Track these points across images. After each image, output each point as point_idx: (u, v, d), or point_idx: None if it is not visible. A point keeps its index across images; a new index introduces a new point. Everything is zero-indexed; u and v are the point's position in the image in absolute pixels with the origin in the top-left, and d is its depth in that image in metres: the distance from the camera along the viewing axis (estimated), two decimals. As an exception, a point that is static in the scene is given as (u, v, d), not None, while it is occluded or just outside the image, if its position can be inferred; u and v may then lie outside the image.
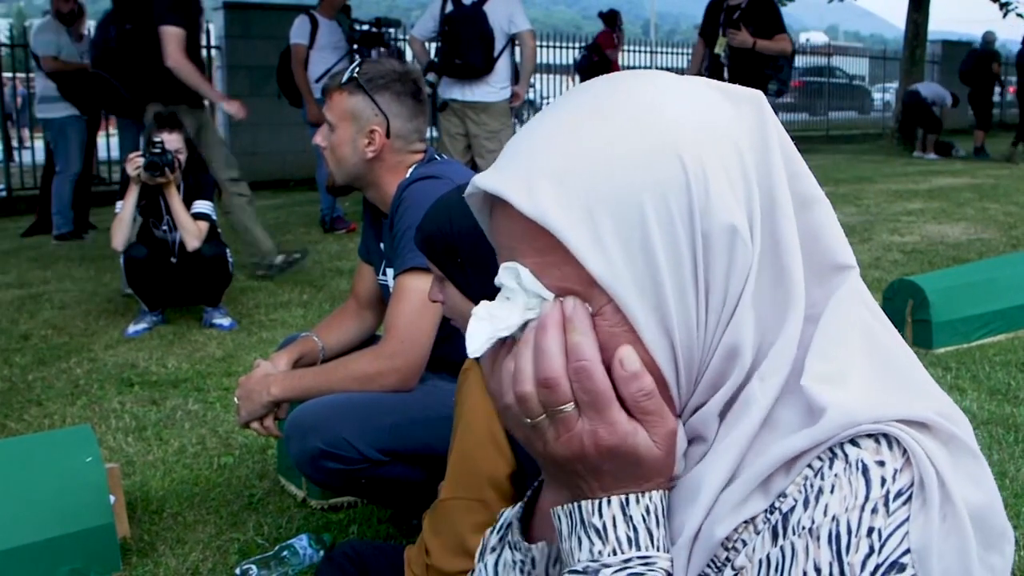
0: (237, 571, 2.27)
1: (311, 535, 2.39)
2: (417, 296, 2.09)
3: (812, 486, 0.66)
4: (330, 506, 2.66)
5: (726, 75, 6.39)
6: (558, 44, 15.41)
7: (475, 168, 5.74)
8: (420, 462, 2.07)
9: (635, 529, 0.69)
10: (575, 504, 0.72)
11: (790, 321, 0.70)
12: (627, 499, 0.70)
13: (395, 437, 2.09)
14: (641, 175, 0.67)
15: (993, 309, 4.20)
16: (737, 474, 0.70)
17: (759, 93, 0.74)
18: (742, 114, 0.72)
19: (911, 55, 14.88)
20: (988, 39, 14.44)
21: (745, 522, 0.68)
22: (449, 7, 5.99)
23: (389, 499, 2.38)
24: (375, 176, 2.33)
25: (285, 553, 2.31)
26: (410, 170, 2.31)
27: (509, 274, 0.71)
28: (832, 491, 0.65)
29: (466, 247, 1.56)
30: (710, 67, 6.61)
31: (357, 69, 2.30)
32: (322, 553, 2.33)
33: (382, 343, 2.20)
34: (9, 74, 12.58)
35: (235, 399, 2.32)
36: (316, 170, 7.55)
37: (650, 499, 0.70)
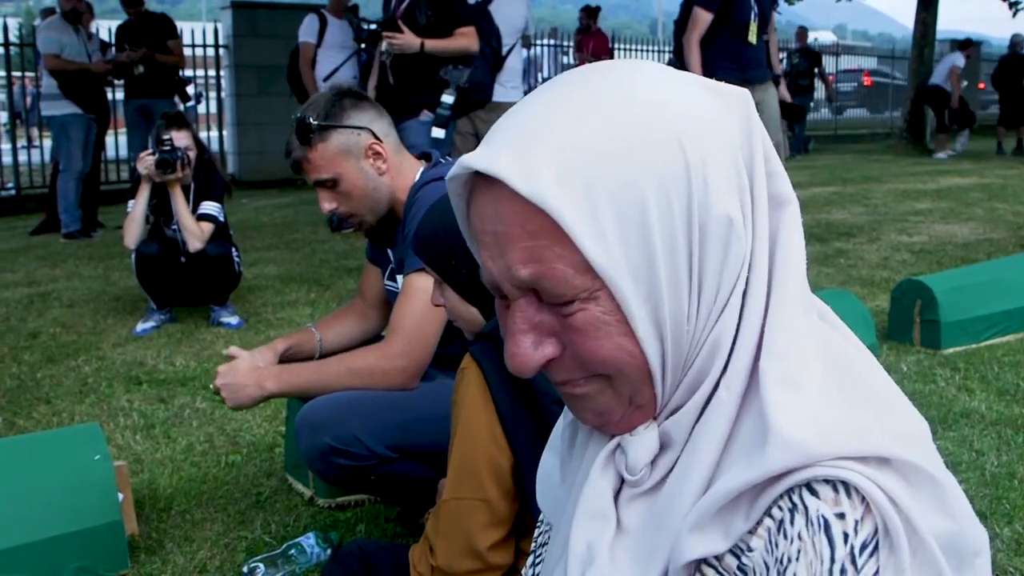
0: (244, 569, 2.27)
1: (318, 533, 2.40)
2: (425, 296, 2.10)
3: (777, 546, 0.64)
4: (337, 505, 2.67)
5: (391, 79, 4.83)
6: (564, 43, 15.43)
7: None
8: (429, 459, 2.08)
9: None
10: None
11: (746, 323, 0.69)
12: None
13: (405, 434, 2.10)
14: (643, 161, 0.65)
15: (1002, 309, 4.18)
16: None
17: (745, 91, 0.73)
18: (731, 109, 0.71)
19: (919, 54, 14.81)
20: (1015, 41, 14.41)
21: (705, 562, 0.67)
22: None
23: (398, 496, 2.38)
24: (393, 190, 2.31)
25: (292, 551, 2.31)
26: (418, 174, 2.32)
27: None
28: (798, 557, 0.62)
29: (459, 249, 1.56)
30: (380, 72, 4.94)
31: (304, 123, 2.24)
32: (329, 552, 2.34)
33: (388, 342, 2.20)
34: (18, 73, 12.65)
35: (213, 387, 2.27)
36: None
37: None
